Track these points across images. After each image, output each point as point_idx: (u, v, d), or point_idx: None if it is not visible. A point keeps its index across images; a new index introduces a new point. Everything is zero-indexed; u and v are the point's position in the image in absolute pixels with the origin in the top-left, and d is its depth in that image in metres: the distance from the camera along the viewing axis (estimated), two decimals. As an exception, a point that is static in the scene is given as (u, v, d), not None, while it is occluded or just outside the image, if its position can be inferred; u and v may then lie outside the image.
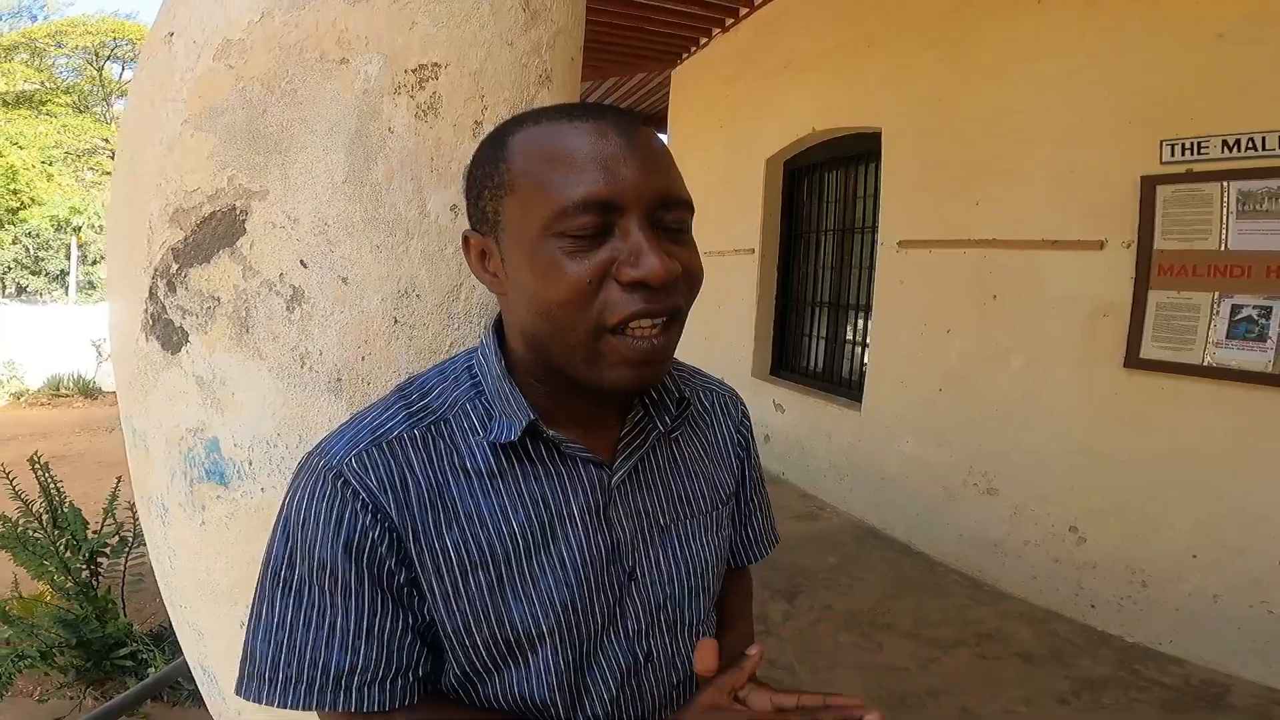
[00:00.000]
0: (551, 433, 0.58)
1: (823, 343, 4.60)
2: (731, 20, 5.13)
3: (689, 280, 0.56)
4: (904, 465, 3.60)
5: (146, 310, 0.76)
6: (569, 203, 0.50)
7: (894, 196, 3.67)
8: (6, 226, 15.37)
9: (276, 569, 0.55)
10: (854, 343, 4.28)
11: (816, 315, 4.68)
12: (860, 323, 4.20)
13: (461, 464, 0.57)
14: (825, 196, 4.57)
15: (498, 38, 0.73)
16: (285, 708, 0.54)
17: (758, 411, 4.87)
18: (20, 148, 15.42)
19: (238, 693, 0.54)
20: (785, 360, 4.99)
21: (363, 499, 0.54)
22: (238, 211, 0.70)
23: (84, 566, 3.11)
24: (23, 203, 15.32)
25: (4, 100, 17.47)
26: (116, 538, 3.18)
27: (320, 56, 0.67)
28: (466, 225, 0.59)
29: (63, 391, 10.99)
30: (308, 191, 0.69)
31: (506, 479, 0.58)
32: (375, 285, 0.71)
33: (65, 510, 3.23)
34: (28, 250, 16.00)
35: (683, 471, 0.68)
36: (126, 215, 0.78)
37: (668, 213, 0.54)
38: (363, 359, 0.72)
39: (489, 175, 0.55)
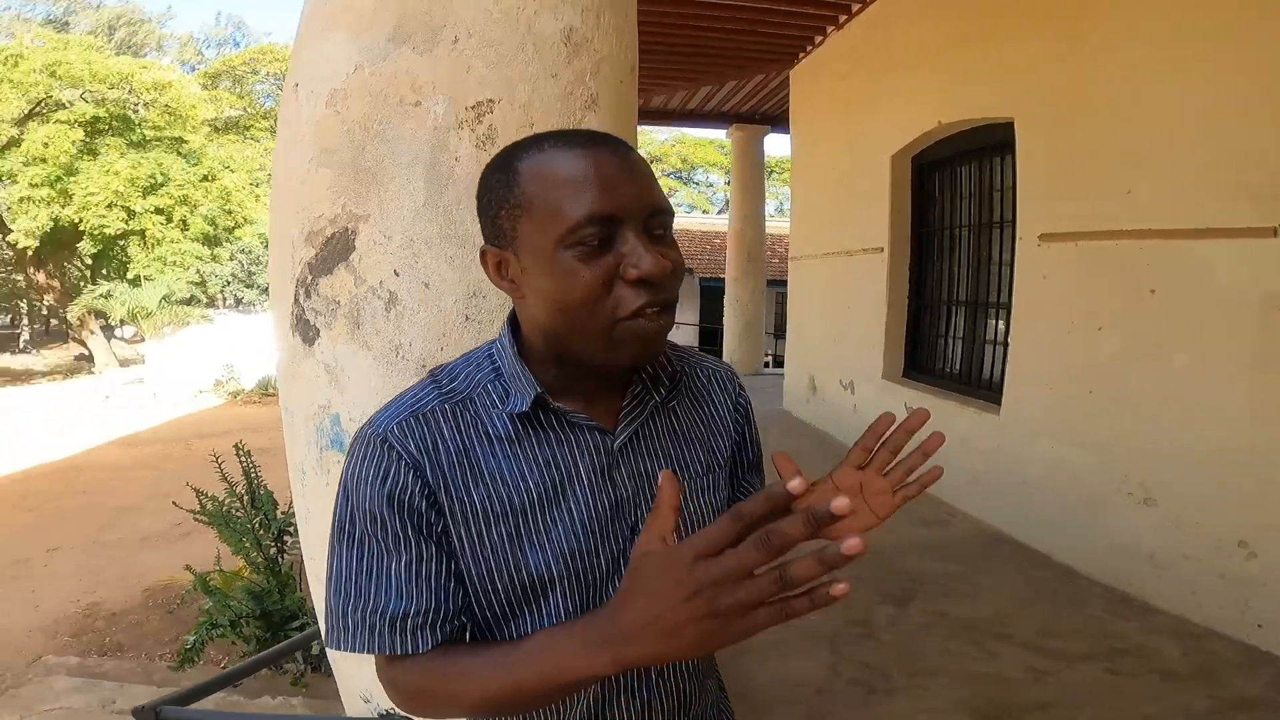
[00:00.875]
0: (558, 404, 0.69)
1: (959, 343, 4.37)
2: (844, 18, 5.04)
3: (677, 274, 0.66)
4: (1047, 471, 3.35)
5: (292, 312, 0.97)
6: (579, 219, 0.61)
7: (1032, 188, 3.44)
8: (224, 244, 17.49)
9: (340, 527, 0.68)
10: (993, 343, 4.04)
11: (952, 314, 4.46)
12: (999, 322, 3.96)
13: (485, 431, 0.68)
14: (959, 191, 4.35)
15: (542, 72, 0.86)
16: (356, 652, 0.66)
17: None
18: (232, 171, 17.11)
19: (325, 643, 0.68)
20: (918, 362, 4.78)
21: (403, 459, 0.66)
22: (349, 232, 0.88)
23: (272, 544, 3.62)
24: (236, 222, 17.04)
25: (214, 126, 19.53)
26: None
27: (400, 100, 0.83)
28: None
29: (270, 391, 12.76)
30: (397, 214, 0.85)
31: (523, 444, 0.69)
32: (450, 289, 0.87)
33: (261, 493, 3.79)
34: (242, 265, 18.16)
35: (680, 438, 0.77)
36: (279, 237, 1.00)
37: (655, 220, 0.64)
38: (441, 349, 0.87)
39: (503, 198, 0.65)
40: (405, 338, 0.88)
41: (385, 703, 1.15)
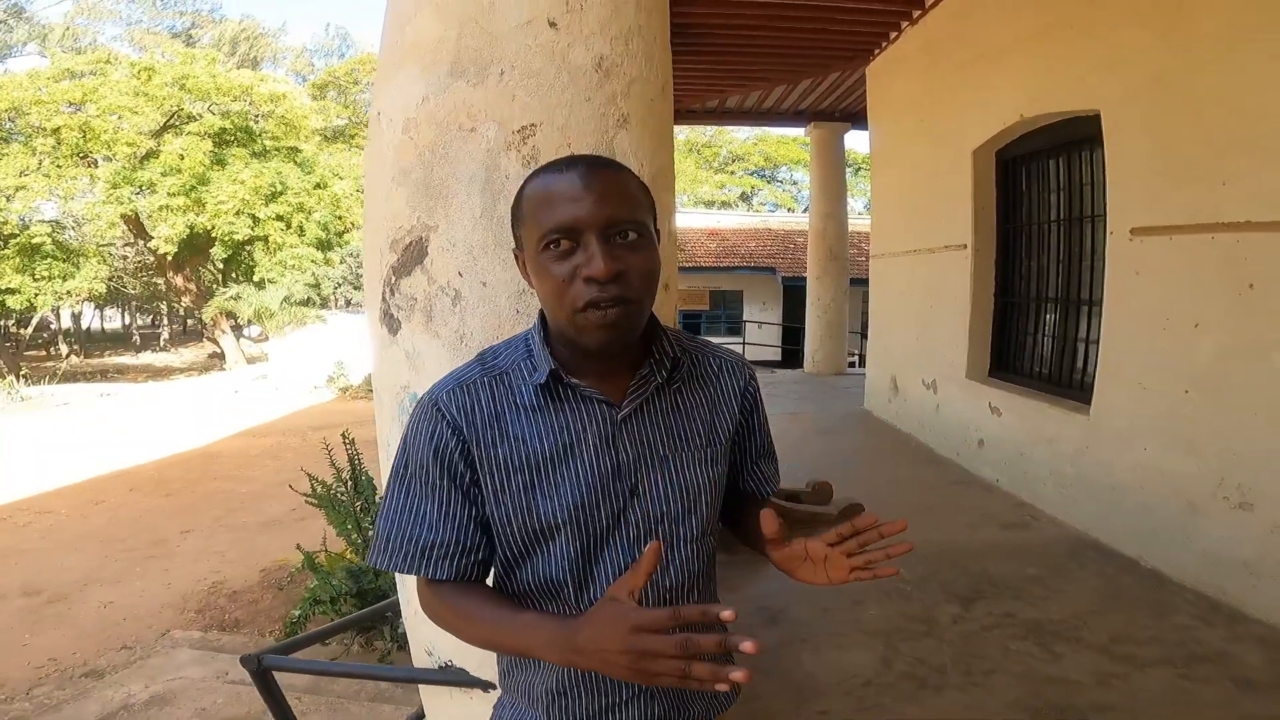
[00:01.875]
0: (573, 380, 0.83)
1: (1047, 341, 4.21)
2: (919, 12, 4.93)
3: (639, 276, 0.78)
4: (1139, 474, 3.20)
5: (380, 308, 1.15)
6: (548, 229, 0.76)
7: (1122, 182, 3.30)
8: (335, 248, 18.73)
9: (396, 471, 0.85)
10: (1084, 341, 3.88)
11: (1040, 312, 4.30)
12: (1090, 320, 3.80)
13: (514, 401, 0.84)
14: (1046, 185, 4.19)
15: (578, 97, 0.99)
16: (388, 570, 0.84)
17: (972, 415, 4.60)
18: (340, 178, 18.30)
19: (368, 561, 0.85)
20: (1005, 361, 4.62)
21: (447, 420, 0.82)
22: (423, 241, 1.05)
23: (370, 526, 3.96)
24: (345, 227, 18.29)
25: (323, 135, 20.76)
26: (396, 500, 3.99)
27: (459, 127, 0.99)
28: None
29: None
30: (459, 225, 1.02)
31: (543, 412, 0.83)
32: (503, 288, 1.02)
33: (363, 479, 4.15)
34: (351, 268, 19.45)
35: (683, 415, 0.89)
36: (370, 245, 1.18)
37: (617, 229, 0.77)
38: (497, 337, 1.03)
39: (516, 213, 0.82)
40: (468, 328, 1.05)
41: (445, 655, 1.33)
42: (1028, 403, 4.06)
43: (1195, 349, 2.93)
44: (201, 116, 15.80)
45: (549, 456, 0.83)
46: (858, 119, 8.12)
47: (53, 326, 25.69)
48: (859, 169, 22.49)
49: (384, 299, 1.11)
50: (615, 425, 0.84)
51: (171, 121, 15.83)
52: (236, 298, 17.20)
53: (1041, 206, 4.25)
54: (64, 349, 24.70)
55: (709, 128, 25.00)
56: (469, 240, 1.02)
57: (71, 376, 18.14)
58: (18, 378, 15.56)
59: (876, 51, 5.95)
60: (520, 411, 0.83)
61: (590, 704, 0.89)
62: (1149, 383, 3.18)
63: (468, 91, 0.99)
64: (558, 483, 0.83)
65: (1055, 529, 3.58)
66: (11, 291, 14.62)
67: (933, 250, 5.12)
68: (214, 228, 15.51)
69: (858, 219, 13.25)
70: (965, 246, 4.67)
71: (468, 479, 0.83)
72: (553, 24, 0.97)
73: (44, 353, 24.20)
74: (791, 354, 13.15)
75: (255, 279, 17.11)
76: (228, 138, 16.39)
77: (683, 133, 25.59)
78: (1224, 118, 2.73)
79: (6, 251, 14.56)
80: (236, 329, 19.73)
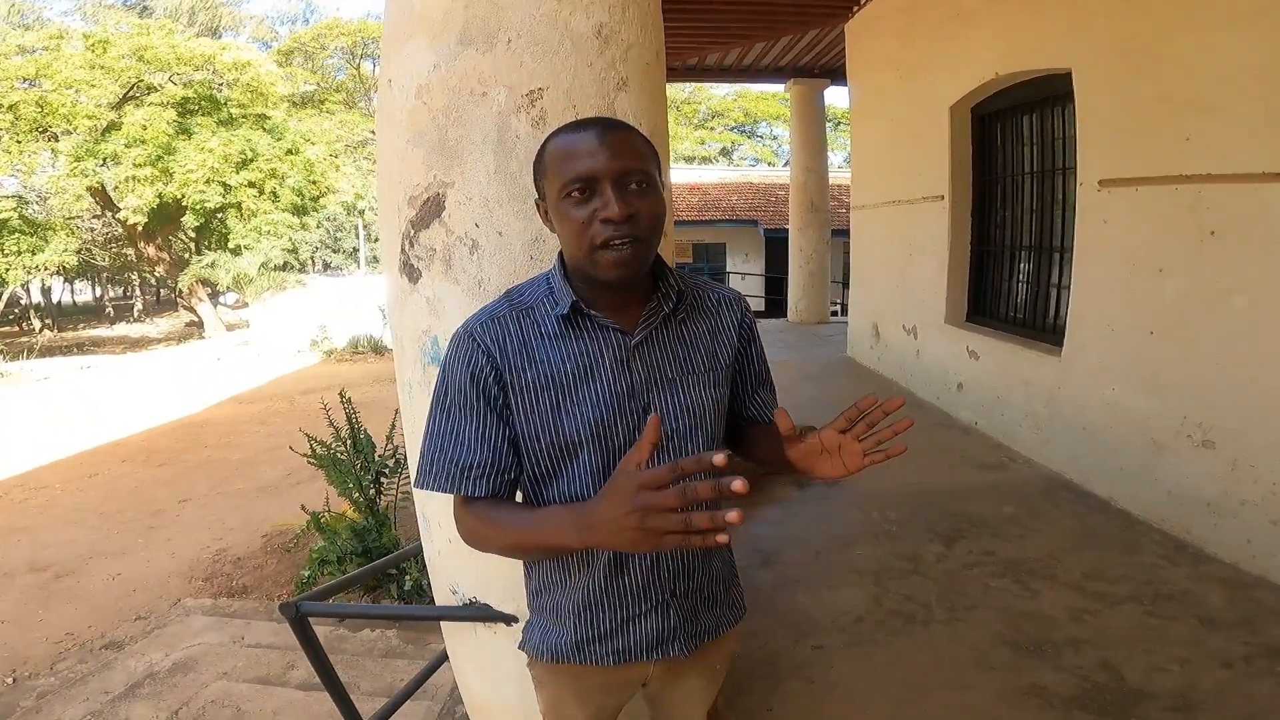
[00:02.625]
0: (591, 311, 0.94)
1: (1023, 287, 4.37)
2: None
3: (648, 218, 0.89)
4: (1109, 415, 3.37)
5: (399, 259, 1.24)
6: (568, 179, 0.87)
7: (1091, 136, 3.42)
8: (311, 213, 18.46)
9: (436, 398, 0.96)
10: (1056, 286, 4.02)
11: (1014, 260, 4.44)
12: (1062, 266, 3.94)
13: (539, 330, 0.95)
14: (1020, 139, 4.31)
15: (581, 63, 1.07)
16: (433, 489, 0.93)
17: (950, 359, 4.77)
18: (312, 144, 17.93)
19: (414, 485, 0.94)
20: (981, 306, 4.79)
21: (481, 347, 0.93)
22: (440, 196, 1.13)
23: (371, 485, 4.06)
24: (320, 191, 17.94)
25: (292, 101, 20.30)
26: (394, 459, 4.09)
27: (470, 92, 1.07)
28: None
29: (359, 350, 13.59)
30: (475, 181, 1.10)
31: (565, 339, 0.94)
32: (518, 236, 1.11)
33: (361, 438, 4.22)
34: (328, 232, 19.12)
35: (687, 342, 1.01)
36: (386, 202, 1.26)
37: (628, 179, 0.88)
38: (512, 282, 1.12)
39: (539, 167, 0.93)
40: (485, 274, 1.15)
41: (469, 593, 1.43)
42: (1003, 346, 4.22)
43: (1160, 293, 3.07)
44: (163, 87, 15.32)
45: (572, 377, 0.93)
46: (837, 75, 8.17)
47: (23, 302, 25.13)
48: (839, 124, 22.40)
49: (403, 251, 1.20)
50: (629, 350, 0.95)
51: (131, 93, 15.34)
52: (213, 265, 16.92)
53: (1015, 160, 4.36)
54: (36, 324, 24.23)
55: (688, 85, 24.67)
56: (484, 194, 1.10)
57: (49, 350, 17.86)
58: (-8, 353, 15.32)
59: (855, 9, 6.02)
60: (545, 339, 0.94)
61: (612, 617, 1.00)
62: (1117, 326, 3.33)
63: (477, 59, 1.06)
64: (579, 401, 0.93)
65: (1030, 470, 3.75)
66: (-22, 267, 14.28)
67: (911, 201, 5.22)
68: (184, 197, 15.17)
69: (837, 172, 13.26)
70: (943, 198, 4.78)
71: (500, 400, 0.93)
72: (555, -8, 1.04)
73: (16, 329, 23.72)
74: (775, 304, 13.30)
75: (230, 246, 16.84)
76: (191, 107, 15.93)
77: (662, 90, 25.17)
78: (1186, 78, 2.84)
79: (-30, 227, 14.18)
80: (214, 296, 19.44)
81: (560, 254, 0.98)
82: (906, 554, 2.84)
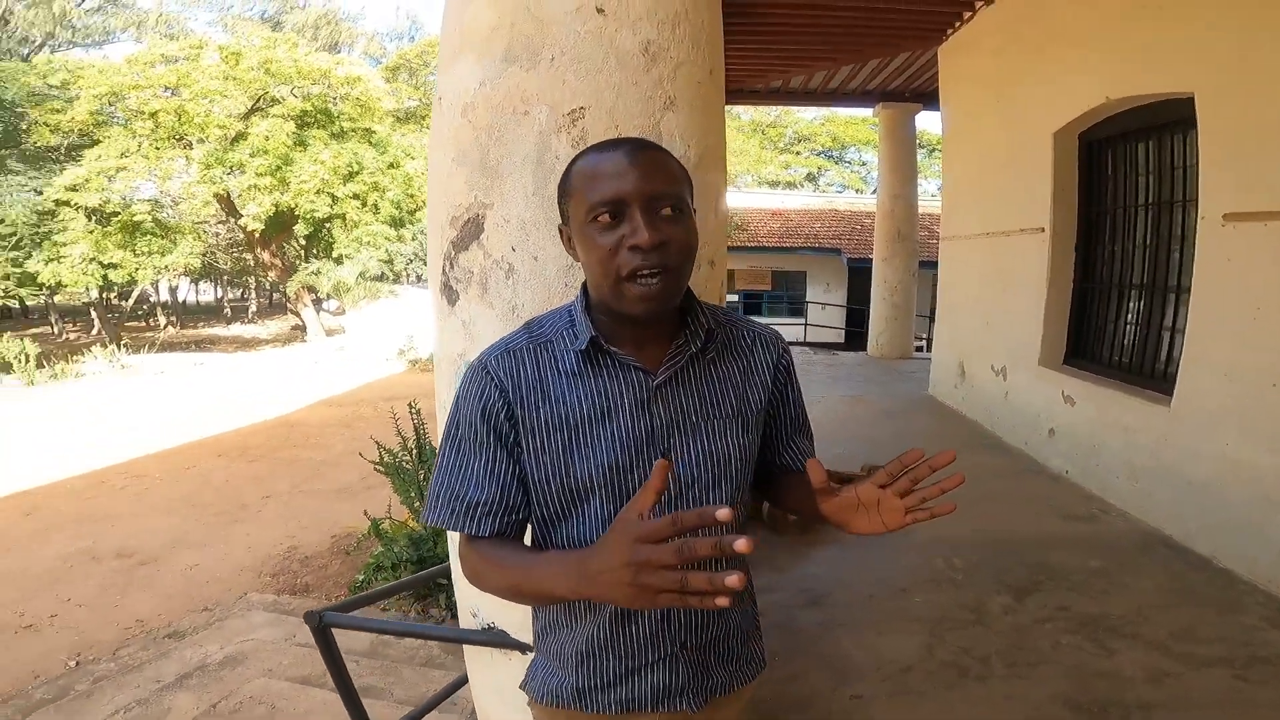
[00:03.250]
0: (612, 348, 0.88)
1: (1130, 329, 4.02)
2: None
3: (679, 247, 0.83)
4: (1220, 468, 3.04)
5: (440, 280, 1.22)
6: (595, 202, 0.82)
7: (1216, 166, 3.11)
8: (407, 225, 19.32)
9: (448, 431, 0.92)
10: (1169, 329, 3.68)
11: (1122, 299, 4.10)
12: (1177, 307, 3.60)
13: (556, 366, 0.89)
14: (1134, 169, 3.98)
15: (625, 81, 1.03)
16: (438, 526, 0.90)
17: (1043, 403, 4.46)
18: (412, 158, 18.71)
19: (421, 520, 0.91)
20: (1081, 348, 4.44)
21: (495, 382, 0.88)
22: (480, 218, 1.11)
23: (433, 493, 4.10)
24: (417, 205, 18.65)
25: (396, 116, 21.23)
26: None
27: (513, 110, 1.04)
28: None
29: (440, 364, 13.97)
30: (513, 202, 1.07)
31: (583, 377, 0.88)
32: (552, 262, 1.07)
33: (427, 448, 4.31)
34: (422, 245, 19.87)
35: (716, 384, 0.93)
36: (432, 222, 1.25)
37: (660, 204, 0.82)
38: (546, 309, 1.08)
39: (564, 190, 0.87)
40: (519, 299, 1.11)
41: (488, 617, 1.39)
42: (1104, 391, 3.91)
43: (1288, 341, 2.75)
44: (284, 99, 16.48)
45: (587, 418, 0.87)
46: (929, 99, 7.91)
47: (151, 299, 27.52)
48: (933, 150, 21.69)
49: (444, 272, 1.19)
50: (650, 391, 0.88)
51: (258, 104, 16.58)
52: (316, 273, 18.00)
53: (1128, 190, 4.04)
54: (162, 320, 26.45)
55: (774, 108, 24.49)
56: (522, 217, 1.07)
57: (168, 346, 19.44)
58: (119, 347, 16.77)
59: (949, 31, 5.80)
60: (561, 376, 0.89)
61: (617, 666, 0.93)
62: (1236, 374, 3.01)
63: (521, 76, 1.04)
64: (593, 444, 0.87)
65: (1125, 523, 3.46)
66: (115, 266, 15.68)
67: (1007, 233, 4.94)
68: (296, 206, 16.22)
69: (928, 201, 12.80)
70: (1043, 230, 4.50)
71: (511, 438, 0.89)
72: (600, 10, 1.01)
73: (144, 324, 25.95)
74: (855, 336, 12.88)
75: (334, 255, 17.86)
76: (308, 119, 17.05)
77: (746, 113, 25.14)
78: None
79: (110, 228, 15.62)
80: (317, 303, 20.63)
81: (584, 284, 0.93)
82: (969, 604, 2.65)
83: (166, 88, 15.54)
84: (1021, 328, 4.76)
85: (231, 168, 15.92)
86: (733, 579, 0.60)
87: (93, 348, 16.54)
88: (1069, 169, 4.35)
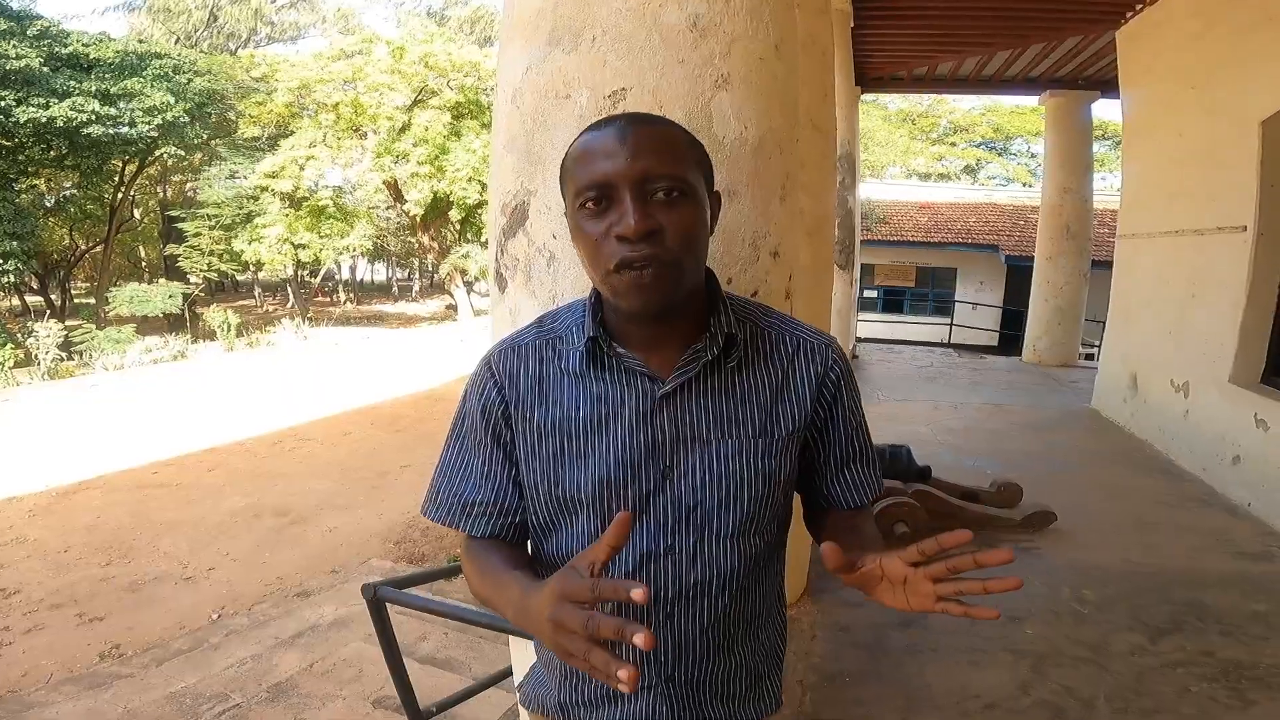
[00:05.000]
0: (620, 349, 0.79)
1: (1348, 347, 3.36)
2: None
3: (677, 235, 0.73)
4: None
5: (494, 268, 1.22)
6: (581, 185, 0.74)
7: None
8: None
9: (453, 425, 0.88)
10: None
11: (1341, 310, 3.43)
12: None
13: (561, 365, 0.82)
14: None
15: (670, 59, 0.95)
16: (435, 522, 0.87)
17: (1230, 426, 3.88)
18: None
19: (420, 511, 0.88)
20: (1285, 367, 3.78)
21: (495, 380, 0.83)
22: (525, 205, 1.08)
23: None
24: None
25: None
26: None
27: (555, 94, 1.00)
28: None
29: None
30: (554, 189, 1.03)
31: (585, 379, 0.81)
32: (595, 251, 1.02)
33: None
34: None
35: (737, 398, 0.81)
36: (491, 208, 1.25)
37: (655, 185, 0.72)
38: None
39: (560, 174, 0.80)
40: (559, 288, 1.07)
41: None
42: None
43: None
44: (441, 91, 17.65)
45: (583, 425, 0.80)
46: (1107, 87, 7.08)
47: (336, 277, 30.69)
48: (1118, 142, 19.34)
49: (496, 259, 1.17)
50: (655, 401, 0.79)
51: (419, 97, 17.88)
52: (465, 256, 19.21)
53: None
54: (342, 296, 29.43)
55: (925, 97, 22.84)
56: (562, 204, 1.03)
57: (344, 320, 21.57)
58: (304, 320, 18.86)
59: (1129, 15, 5.22)
60: (564, 376, 0.82)
61: (596, 688, 0.87)
62: None
63: (563, 59, 0.99)
64: (587, 454, 0.80)
65: None
66: (303, 246, 17.63)
67: (1200, 232, 4.30)
68: (451, 193, 17.38)
69: (1104, 197, 11.42)
70: (1245, 229, 3.88)
71: (507, 439, 0.84)
72: (643, -15, 0.93)
73: (328, 300, 29.00)
74: (1010, 340, 11.78)
75: (482, 239, 18.98)
76: (462, 110, 18.14)
77: (894, 103, 23.66)
78: None
79: (301, 212, 17.55)
80: (468, 284, 22.02)
81: None
82: (1090, 640, 2.36)
83: (345, 81, 17.11)
84: (1211, 339, 4.14)
85: (397, 157, 17.27)
86: (625, 672, 0.55)
87: (282, 320, 18.71)
88: (1279, 162, 3.70)
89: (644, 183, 0.72)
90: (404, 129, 17.26)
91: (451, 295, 22.62)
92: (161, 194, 22.30)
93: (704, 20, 0.95)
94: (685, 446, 0.80)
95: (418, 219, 18.88)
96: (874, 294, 15.68)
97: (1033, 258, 8.63)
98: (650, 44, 0.95)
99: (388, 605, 1.80)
